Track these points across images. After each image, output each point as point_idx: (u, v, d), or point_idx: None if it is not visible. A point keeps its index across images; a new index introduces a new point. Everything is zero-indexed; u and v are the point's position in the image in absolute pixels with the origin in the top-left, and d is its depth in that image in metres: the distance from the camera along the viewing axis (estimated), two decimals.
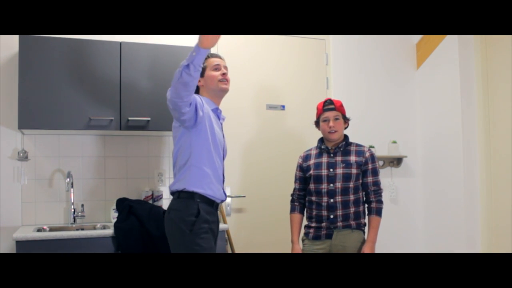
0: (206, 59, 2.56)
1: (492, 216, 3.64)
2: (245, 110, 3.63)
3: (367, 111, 3.93)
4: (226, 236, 3.30)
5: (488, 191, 3.67)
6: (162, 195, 3.30)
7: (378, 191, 2.85)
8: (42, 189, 3.13)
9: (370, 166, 2.85)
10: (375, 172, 2.86)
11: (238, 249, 3.44)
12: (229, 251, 3.40)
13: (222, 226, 2.98)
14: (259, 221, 3.59)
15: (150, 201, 3.22)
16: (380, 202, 2.84)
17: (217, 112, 2.59)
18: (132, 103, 3.02)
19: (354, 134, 3.87)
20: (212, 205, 2.47)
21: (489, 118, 3.69)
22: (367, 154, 2.85)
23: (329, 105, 2.87)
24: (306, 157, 2.92)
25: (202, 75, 2.54)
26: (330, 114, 2.84)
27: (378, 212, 2.81)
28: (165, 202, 3.36)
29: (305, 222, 2.92)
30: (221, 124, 2.64)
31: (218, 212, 2.61)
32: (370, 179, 2.85)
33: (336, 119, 2.84)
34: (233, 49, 3.61)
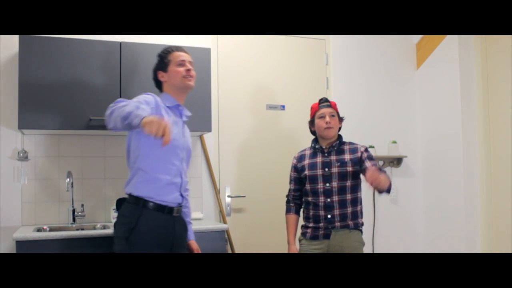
0: (170, 52, 2.45)
1: (492, 216, 3.64)
2: (245, 110, 3.63)
3: (367, 111, 3.93)
4: (226, 236, 3.30)
5: (488, 191, 3.67)
6: None
7: (382, 171, 2.61)
8: (42, 189, 3.13)
9: (366, 155, 2.76)
10: (372, 159, 2.76)
11: (238, 249, 3.44)
12: (229, 251, 3.40)
13: (222, 226, 2.98)
14: (258, 221, 3.59)
15: None
16: (387, 177, 2.59)
17: (178, 109, 2.46)
18: None
19: (354, 134, 3.88)
20: (163, 210, 2.29)
21: (489, 118, 3.69)
22: (362, 149, 2.81)
23: (325, 102, 2.86)
24: (300, 158, 2.90)
25: (165, 70, 2.44)
26: (326, 111, 2.81)
27: (387, 178, 2.57)
28: None
29: (301, 222, 2.90)
30: (183, 122, 2.49)
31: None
32: (369, 163, 2.73)
33: (332, 115, 2.82)
34: (233, 49, 3.61)
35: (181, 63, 2.43)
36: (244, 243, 3.51)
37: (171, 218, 2.32)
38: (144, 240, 2.22)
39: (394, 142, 3.95)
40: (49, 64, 2.87)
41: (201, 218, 3.27)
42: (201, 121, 3.15)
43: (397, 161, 4.00)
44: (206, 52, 3.19)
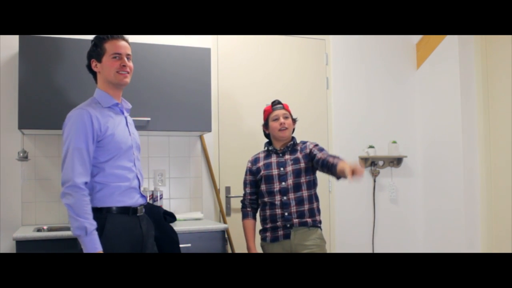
0: (105, 40, 2.24)
1: (492, 216, 3.64)
2: (245, 110, 3.63)
3: (367, 111, 3.93)
4: (226, 236, 3.30)
5: (488, 191, 3.67)
6: (162, 195, 3.29)
7: (335, 155, 2.63)
8: (42, 189, 3.13)
9: (316, 148, 2.75)
10: (322, 149, 2.74)
11: (238, 249, 3.44)
12: (229, 251, 3.39)
13: (222, 226, 2.98)
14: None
15: (150, 201, 3.22)
16: (336, 156, 2.60)
17: (118, 107, 2.29)
18: (132, 103, 3.01)
19: (355, 134, 3.89)
20: (128, 212, 2.22)
21: (489, 117, 3.69)
22: (311, 146, 2.80)
23: (277, 104, 2.88)
24: (255, 161, 2.90)
25: (99, 60, 2.24)
26: (279, 112, 2.83)
27: (337, 158, 2.57)
28: (165, 202, 3.36)
29: (259, 226, 2.86)
30: (126, 117, 2.35)
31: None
32: (320, 154, 2.68)
33: (286, 117, 2.84)
34: (233, 49, 3.61)
35: (116, 56, 2.23)
36: (244, 243, 3.50)
37: (136, 218, 2.26)
38: (114, 243, 2.14)
39: (394, 142, 3.95)
40: (49, 64, 2.86)
41: (201, 218, 3.27)
42: (201, 121, 3.15)
43: (397, 161, 4.00)
44: (206, 52, 3.19)
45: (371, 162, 3.88)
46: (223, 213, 3.47)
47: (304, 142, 2.88)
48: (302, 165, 2.77)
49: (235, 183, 3.56)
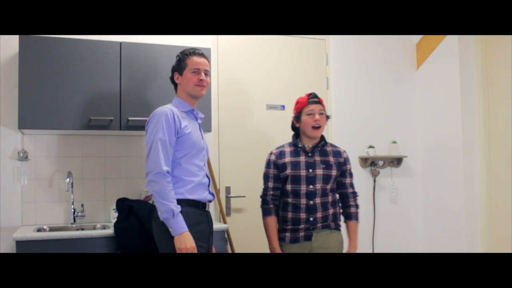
0: (188, 56, 2.50)
1: (492, 216, 3.65)
2: (245, 110, 3.63)
3: (367, 111, 3.93)
4: (226, 236, 3.30)
5: (488, 191, 3.67)
6: None
7: (355, 194, 2.77)
8: (42, 189, 3.13)
9: (348, 167, 2.75)
10: (352, 174, 2.78)
11: (238, 249, 3.44)
12: (229, 251, 3.40)
13: (222, 226, 2.98)
14: (259, 221, 3.58)
15: (150, 201, 3.21)
16: (358, 206, 2.76)
17: (193, 113, 2.55)
18: (132, 103, 3.02)
19: (354, 134, 3.88)
20: (198, 206, 2.44)
21: (489, 117, 3.69)
22: (345, 155, 2.75)
23: (314, 98, 2.68)
24: (280, 154, 2.69)
25: (180, 73, 2.52)
26: (315, 108, 2.64)
27: (357, 218, 2.73)
28: None
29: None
30: (199, 124, 2.59)
31: (211, 210, 2.57)
32: (348, 180, 2.74)
33: (321, 113, 2.66)
34: (233, 49, 3.61)
35: (196, 71, 2.48)
36: (244, 243, 3.50)
37: (205, 212, 2.48)
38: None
39: (394, 142, 3.95)
40: (49, 64, 2.87)
41: None
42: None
43: (397, 161, 4.00)
44: (206, 52, 3.18)
45: (371, 162, 3.88)
46: (223, 213, 3.47)
47: (335, 146, 2.76)
48: (334, 172, 2.65)
49: (235, 183, 3.56)
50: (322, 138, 2.74)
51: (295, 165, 2.64)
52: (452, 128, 3.74)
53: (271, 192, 2.70)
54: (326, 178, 2.64)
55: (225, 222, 3.41)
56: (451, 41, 3.76)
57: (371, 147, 3.87)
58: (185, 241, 2.26)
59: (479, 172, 3.69)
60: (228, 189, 3.55)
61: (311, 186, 2.62)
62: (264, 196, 2.73)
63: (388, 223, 3.93)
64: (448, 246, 3.74)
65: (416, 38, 4.11)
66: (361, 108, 3.92)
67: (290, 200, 2.65)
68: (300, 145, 2.69)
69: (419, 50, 4.10)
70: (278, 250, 2.67)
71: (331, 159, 2.69)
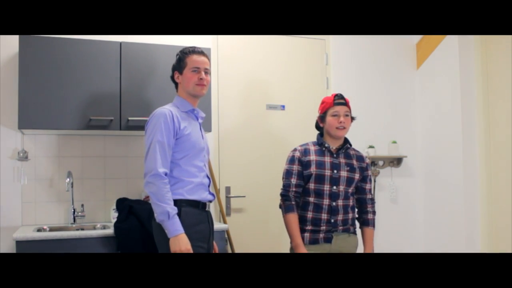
0: (187, 55, 2.48)
1: (492, 215, 3.64)
2: (245, 110, 3.63)
3: (367, 111, 3.93)
4: (226, 236, 3.30)
5: (488, 191, 3.67)
6: None
7: (373, 201, 2.77)
8: (42, 189, 3.13)
9: (369, 173, 2.76)
10: (371, 180, 2.79)
11: (238, 249, 3.44)
12: (229, 251, 3.40)
13: (222, 226, 2.98)
14: (258, 221, 3.59)
15: (150, 201, 3.22)
16: (375, 213, 2.76)
17: (193, 113, 2.54)
18: (132, 103, 3.02)
19: (354, 134, 3.86)
20: (198, 206, 2.43)
21: (489, 118, 3.69)
22: (367, 161, 2.77)
23: (340, 99, 2.65)
24: (305, 152, 2.65)
25: (180, 72, 2.50)
26: (341, 109, 2.62)
27: (374, 224, 2.72)
28: None
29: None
30: (200, 123, 2.58)
31: (211, 210, 2.57)
32: (368, 186, 2.74)
33: (346, 115, 2.64)
34: (233, 49, 3.61)
35: (195, 69, 2.47)
36: (244, 243, 3.50)
37: (205, 212, 2.48)
38: (186, 233, 2.30)
39: (394, 142, 3.95)
40: (49, 64, 2.87)
41: None
42: None
43: (397, 161, 4.00)
44: (206, 52, 3.18)
45: (371, 162, 3.88)
46: (223, 213, 3.47)
47: (358, 151, 2.76)
48: (357, 176, 2.65)
49: (235, 183, 3.56)
50: (347, 140, 2.73)
51: (320, 164, 2.62)
52: (452, 128, 3.74)
53: (294, 189, 2.63)
54: (349, 181, 2.63)
55: (225, 222, 3.41)
56: (451, 41, 3.76)
57: (371, 147, 3.87)
58: (180, 244, 2.25)
59: (479, 172, 3.69)
60: (228, 189, 3.55)
61: (334, 187, 2.60)
62: (285, 193, 2.65)
63: (388, 223, 3.93)
64: (448, 246, 3.74)
65: (416, 38, 4.11)
66: (361, 108, 3.91)
67: (311, 199, 2.61)
68: (326, 145, 2.66)
69: (419, 50, 4.10)
70: (302, 247, 2.56)
71: (355, 162, 2.69)
